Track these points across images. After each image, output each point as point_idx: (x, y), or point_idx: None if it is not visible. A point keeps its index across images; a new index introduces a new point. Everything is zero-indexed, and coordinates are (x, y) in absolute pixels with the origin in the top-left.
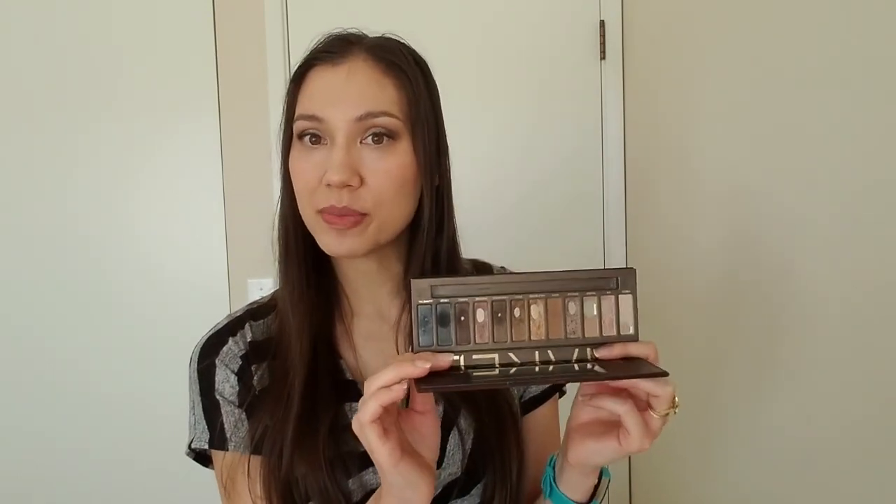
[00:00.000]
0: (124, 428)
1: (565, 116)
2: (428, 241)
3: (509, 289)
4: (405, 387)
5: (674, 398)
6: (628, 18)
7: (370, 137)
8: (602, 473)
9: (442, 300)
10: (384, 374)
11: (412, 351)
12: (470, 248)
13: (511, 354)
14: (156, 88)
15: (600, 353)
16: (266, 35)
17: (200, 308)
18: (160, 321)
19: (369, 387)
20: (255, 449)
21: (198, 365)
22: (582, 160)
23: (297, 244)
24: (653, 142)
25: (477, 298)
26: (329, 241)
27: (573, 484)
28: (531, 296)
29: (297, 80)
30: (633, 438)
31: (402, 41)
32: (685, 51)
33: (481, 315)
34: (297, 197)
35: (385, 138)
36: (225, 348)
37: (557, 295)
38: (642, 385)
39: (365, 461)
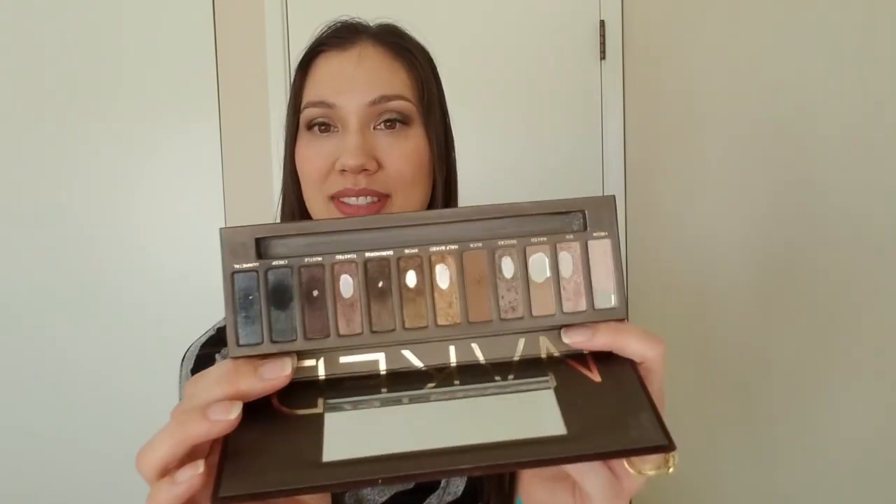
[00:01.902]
0: (124, 427)
1: (565, 116)
2: None
3: (396, 238)
4: (200, 469)
5: (673, 455)
6: (628, 18)
7: (383, 123)
8: None
9: (276, 263)
10: (157, 443)
11: (230, 354)
12: None
13: (407, 353)
14: (156, 88)
15: (572, 337)
16: (266, 35)
17: (200, 308)
18: (160, 321)
19: (141, 466)
20: None
21: (196, 357)
22: (582, 160)
23: None
24: (653, 142)
25: (339, 257)
26: None
27: None
28: (434, 249)
29: (304, 68)
30: (595, 502)
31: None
32: (685, 51)
33: (348, 286)
34: (304, 187)
35: (398, 123)
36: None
37: (480, 245)
38: None
39: None
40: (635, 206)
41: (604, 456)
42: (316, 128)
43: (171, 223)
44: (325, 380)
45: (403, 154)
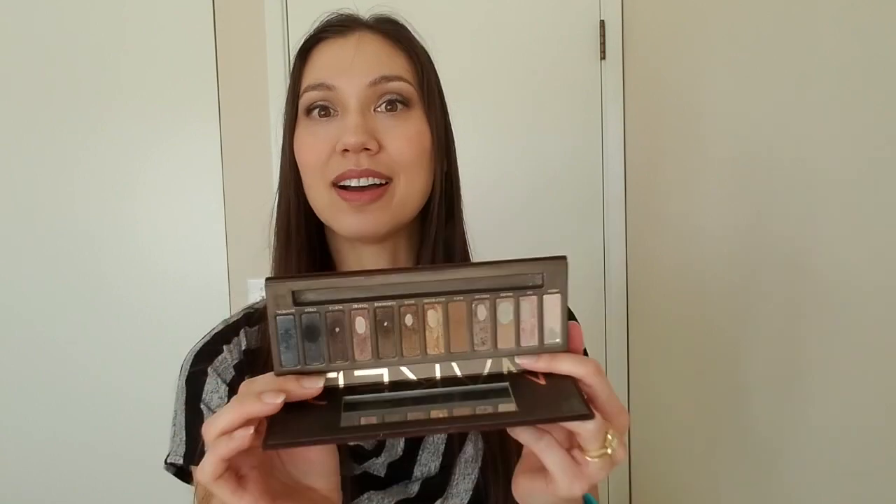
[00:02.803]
0: (123, 428)
1: (565, 116)
2: (439, 226)
3: (398, 290)
4: (251, 430)
5: (605, 437)
6: (628, 18)
7: (384, 105)
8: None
9: (308, 309)
10: (222, 415)
11: (274, 372)
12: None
13: (404, 370)
14: (156, 89)
15: (522, 361)
16: (266, 35)
17: (200, 308)
18: (160, 321)
19: (206, 432)
20: None
21: (188, 372)
22: (582, 160)
23: (300, 234)
24: (653, 142)
25: (355, 305)
26: (348, 220)
27: None
28: (426, 299)
29: (303, 56)
30: (559, 483)
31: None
32: (685, 50)
33: (361, 325)
34: (305, 174)
35: (399, 105)
36: (220, 357)
37: (462, 298)
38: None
39: (360, 485)
40: (635, 206)
41: (541, 422)
42: (315, 112)
43: (171, 223)
44: (344, 387)
45: (405, 135)
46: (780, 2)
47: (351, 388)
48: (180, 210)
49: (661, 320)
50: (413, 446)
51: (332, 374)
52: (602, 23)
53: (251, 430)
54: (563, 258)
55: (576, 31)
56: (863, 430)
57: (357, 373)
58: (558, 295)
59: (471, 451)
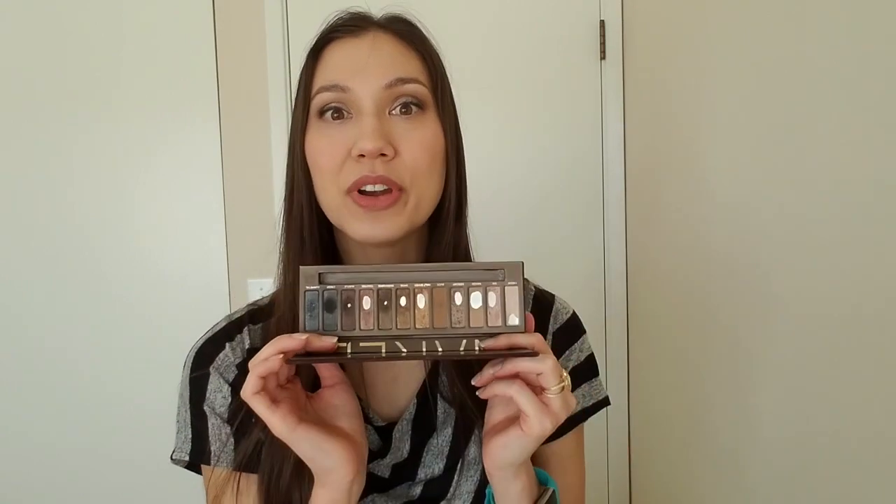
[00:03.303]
0: (123, 428)
1: (565, 116)
2: (449, 227)
3: (396, 278)
4: (281, 357)
5: (560, 373)
6: (628, 18)
7: (399, 108)
8: (547, 483)
9: (329, 287)
10: (264, 350)
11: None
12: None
13: (398, 344)
14: (156, 89)
15: (486, 344)
16: (266, 36)
17: (200, 308)
18: (160, 321)
19: (251, 364)
20: (247, 466)
21: (191, 373)
22: (582, 160)
23: (313, 237)
24: (653, 142)
25: (363, 286)
26: (362, 225)
27: (504, 496)
28: (417, 285)
29: (315, 55)
30: (532, 419)
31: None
32: (685, 51)
33: (367, 302)
34: (318, 178)
35: (414, 108)
36: (221, 355)
37: (443, 285)
38: (522, 365)
39: (370, 485)
40: (635, 206)
41: (501, 355)
42: (328, 114)
43: (171, 223)
44: (351, 354)
45: (421, 140)
46: (780, 1)
47: (356, 353)
48: (180, 210)
49: (661, 320)
50: (418, 448)
51: (342, 344)
52: (602, 23)
53: (281, 356)
54: (520, 262)
55: (576, 31)
56: (867, 429)
57: (361, 344)
58: (516, 287)
59: (474, 453)
